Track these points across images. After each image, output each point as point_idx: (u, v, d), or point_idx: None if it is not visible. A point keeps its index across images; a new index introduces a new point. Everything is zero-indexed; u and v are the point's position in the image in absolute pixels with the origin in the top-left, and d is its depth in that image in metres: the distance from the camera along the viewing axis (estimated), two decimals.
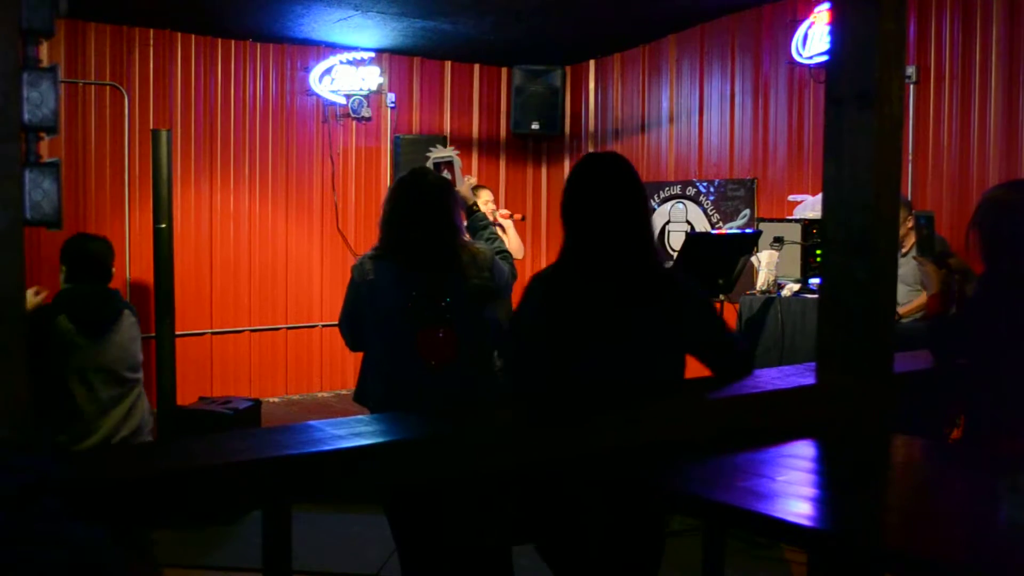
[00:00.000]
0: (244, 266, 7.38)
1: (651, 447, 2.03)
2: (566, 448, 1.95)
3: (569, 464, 2.16)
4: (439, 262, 2.93)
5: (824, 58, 5.87)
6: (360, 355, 3.11)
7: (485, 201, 6.30)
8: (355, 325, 3.04)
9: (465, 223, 3.23)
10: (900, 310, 4.20)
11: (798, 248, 5.07)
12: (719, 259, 4.68)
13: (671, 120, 7.41)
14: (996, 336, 2.52)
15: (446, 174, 5.95)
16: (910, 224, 4.26)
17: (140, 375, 3.56)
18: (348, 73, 7.55)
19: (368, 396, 3.00)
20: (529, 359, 2.44)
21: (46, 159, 1.43)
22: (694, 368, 2.40)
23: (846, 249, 2.23)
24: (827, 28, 5.64)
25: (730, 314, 5.27)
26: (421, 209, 2.94)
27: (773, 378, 2.37)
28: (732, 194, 6.86)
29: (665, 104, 7.47)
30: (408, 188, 2.99)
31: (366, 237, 7.90)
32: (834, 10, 2.30)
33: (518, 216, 5.78)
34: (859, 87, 2.17)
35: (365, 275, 2.96)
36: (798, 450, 2.12)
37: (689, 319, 2.34)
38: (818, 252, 5.00)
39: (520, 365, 2.51)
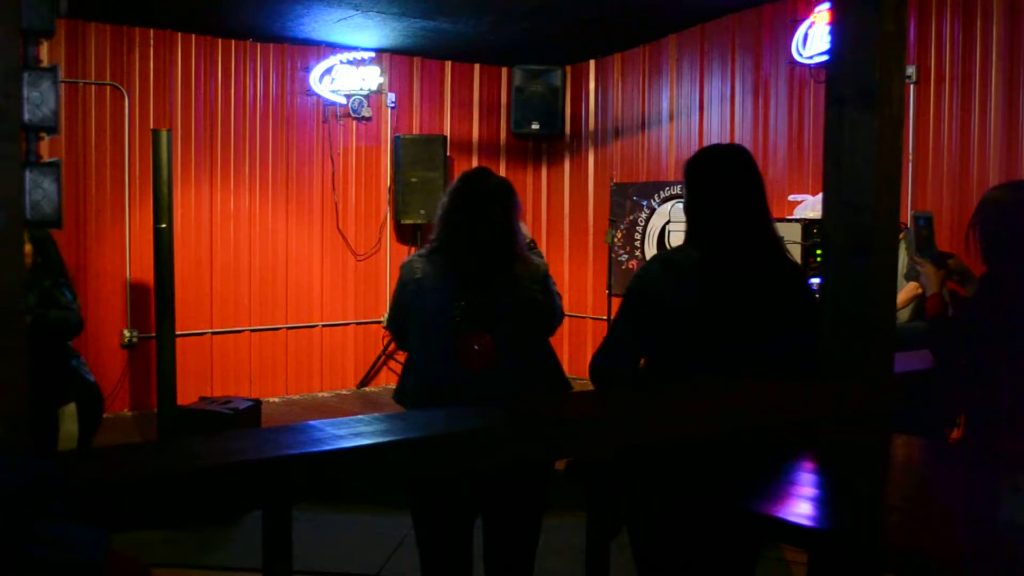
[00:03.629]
0: (244, 266, 7.38)
1: (651, 447, 2.03)
2: (566, 449, 1.95)
3: (571, 464, 2.16)
4: (489, 267, 2.82)
5: (824, 58, 5.87)
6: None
7: None
8: (400, 324, 2.95)
9: None
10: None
11: (798, 248, 5.07)
12: None
13: (671, 120, 7.41)
14: (996, 336, 2.52)
15: None
16: None
17: None
18: (348, 73, 7.55)
19: (406, 396, 2.93)
20: (642, 338, 2.43)
21: (46, 159, 1.43)
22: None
23: (846, 249, 2.23)
24: (827, 28, 5.64)
25: None
26: (477, 210, 2.83)
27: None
28: None
29: (665, 104, 7.47)
30: (467, 187, 2.88)
31: (366, 237, 7.91)
32: (834, 10, 2.30)
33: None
34: (859, 87, 2.17)
35: (412, 273, 2.88)
36: (798, 450, 2.12)
37: (813, 310, 2.42)
38: (818, 252, 5.00)
39: (630, 342, 2.47)
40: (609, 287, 6.81)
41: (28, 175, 1.39)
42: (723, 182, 2.45)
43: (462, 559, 2.88)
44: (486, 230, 2.82)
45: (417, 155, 7.63)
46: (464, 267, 2.82)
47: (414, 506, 2.91)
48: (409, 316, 2.90)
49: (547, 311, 2.92)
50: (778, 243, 2.53)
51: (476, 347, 2.75)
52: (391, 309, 3.02)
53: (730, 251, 2.42)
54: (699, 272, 2.41)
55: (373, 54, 7.63)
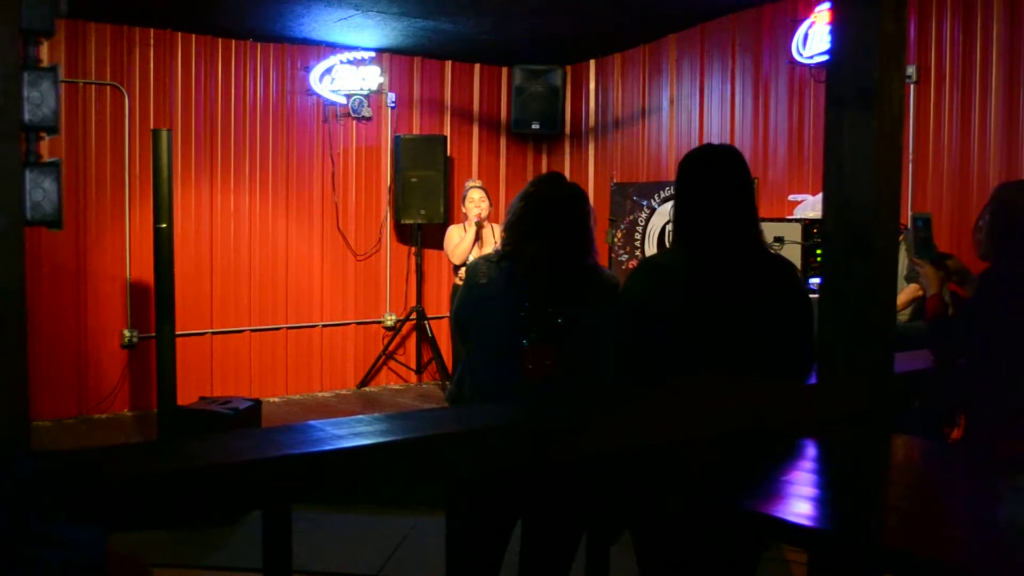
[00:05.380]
0: (244, 266, 7.38)
1: (651, 448, 2.03)
2: (570, 448, 1.95)
3: (573, 464, 2.16)
4: (559, 276, 2.73)
5: (824, 58, 5.87)
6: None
7: (479, 199, 6.37)
8: (462, 326, 2.88)
9: None
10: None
11: (798, 248, 5.07)
12: None
13: (671, 120, 7.41)
14: (996, 336, 2.52)
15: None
16: None
17: None
18: (348, 73, 7.55)
19: (462, 402, 2.85)
20: (638, 347, 2.43)
21: (46, 159, 1.43)
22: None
23: (846, 249, 2.23)
24: (827, 28, 5.63)
25: None
26: (551, 217, 2.73)
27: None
28: None
29: (665, 104, 7.47)
30: (541, 192, 2.79)
31: (366, 237, 7.91)
32: (834, 10, 2.30)
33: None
34: (859, 87, 2.17)
35: (478, 278, 2.80)
36: (798, 450, 2.12)
37: (802, 310, 2.42)
38: (818, 252, 5.00)
39: (628, 352, 2.47)
40: None
41: (28, 175, 1.39)
42: (710, 183, 2.45)
43: (492, 564, 2.84)
44: (560, 237, 2.73)
45: (417, 155, 7.63)
46: (533, 275, 2.72)
47: (450, 506, 2.85)
48: (471, 320, 2.82)
49: (612, 326, 2.84)
50: (763, 243, 2.54)
51: (538, 359, 2.65)
52: (454, 309, 2.93)
53: (715, 252, 2.42)
54: (684, 276, 2.41)
55: (373, 54, 7.63)
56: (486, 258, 2.86)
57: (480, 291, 2.78)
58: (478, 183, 6.62)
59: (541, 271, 2.72)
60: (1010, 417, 2.46)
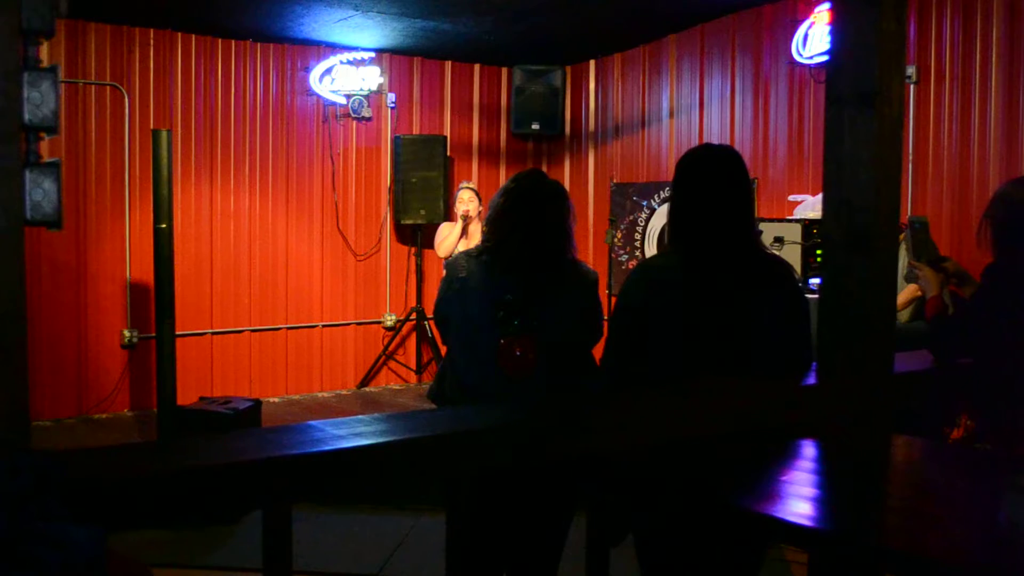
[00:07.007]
0: (244, 266, 7.38)
1: (651, 447, 2.03)
2: (569, 447, 1.95)
3: (572, 464, 2.16)
4: (539, 271, 2.76)
5: (824, 58, 5.87)
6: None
7: (468, 199, 6.41)
8: (444, 320, 2.90)
9: None
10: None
11: (798, 248, 5.07)
12: None
13: (671, 120, 7.41)
14: (999, 335, 2.52)
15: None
16: None
17: None
18: (348, 73, 7.55)
19: (443, 398, 2.87)
20: (634, 348, 2.44)
21: (46, 159, 1.43)
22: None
23: (846, 249, 2.23)
24: (827, 28, 5.64)
25: None
26: (533, 211, 2.77)
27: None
28: None
29: (665, 104, 7.47)
30: (523, 187, 2.82)
31: (366, 237, 7.91)
32: (834, 10, 2.30)
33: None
34: (859, 87, 2.17)
35: (457, 272, 2.82)
36: (798, 450, 2.12)
37: (798, 309, 2.43)
38: (818, 252, 5.01)
39: (624, 353, 2.48)
40: (609, 287, 6.81)
41: (28, 175, 1.39)
42: (708, 183, 2.45)
43: (493, 565, 2.83)
44: (541, 232, 2.75)
45: (417, 155, 7.64)
46: (513, 269, 2.75)
47: (450, 506, 2.85)
48: (451, 315, 2.84)
49: (591, 320, 2.86)
50: (758, 243, 2.54)
51: (517, 352, 2.67)
52: (436, 305, 2.96)
53: (711, 253, 2.42)
54: (681, 277, 2.41)
55: (373, 54, 7.63)
56: (466, 253, 2.89)
57: (460, 284, 2.81)
58: (470, 184, 6.67)
59: (520, 265, 2.74)
60: (1012, 417, 2.46)
